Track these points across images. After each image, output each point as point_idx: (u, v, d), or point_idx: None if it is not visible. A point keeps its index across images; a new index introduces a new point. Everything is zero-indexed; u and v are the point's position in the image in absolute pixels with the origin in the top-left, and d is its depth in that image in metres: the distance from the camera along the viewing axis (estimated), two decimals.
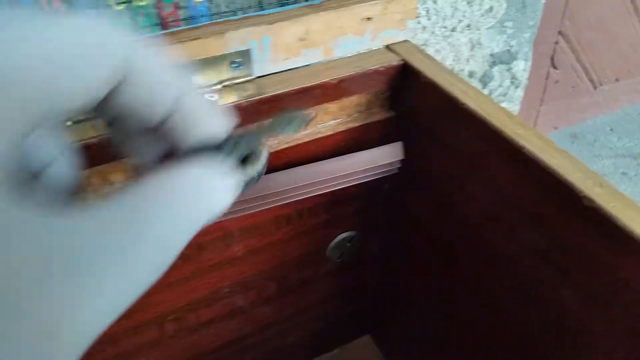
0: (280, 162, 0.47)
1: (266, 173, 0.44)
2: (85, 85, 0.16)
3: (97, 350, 0.52)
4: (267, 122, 0.25)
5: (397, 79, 0.46)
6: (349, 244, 0.60)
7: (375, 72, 0.45)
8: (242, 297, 0.58)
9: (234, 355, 0.65)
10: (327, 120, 0.48)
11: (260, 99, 0.42)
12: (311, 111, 0.33)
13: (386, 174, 0.48)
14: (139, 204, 0.17)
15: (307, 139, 0.47)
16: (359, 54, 0.46)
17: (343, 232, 0.59)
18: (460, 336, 0.56)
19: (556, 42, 0.88)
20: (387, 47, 0.47)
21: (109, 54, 0.16)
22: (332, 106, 0.47)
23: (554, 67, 0.94)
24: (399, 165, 0.47)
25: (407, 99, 0.47)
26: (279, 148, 0.46)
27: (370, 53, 0.47)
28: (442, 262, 0.53)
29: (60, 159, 0.19)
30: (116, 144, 0.21)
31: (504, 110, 0.40)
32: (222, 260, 0.52)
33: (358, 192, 0.55)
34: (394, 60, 0.45)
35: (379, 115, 0.50)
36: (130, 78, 0.17)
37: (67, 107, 0.16)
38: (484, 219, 0.43)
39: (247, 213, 0.47)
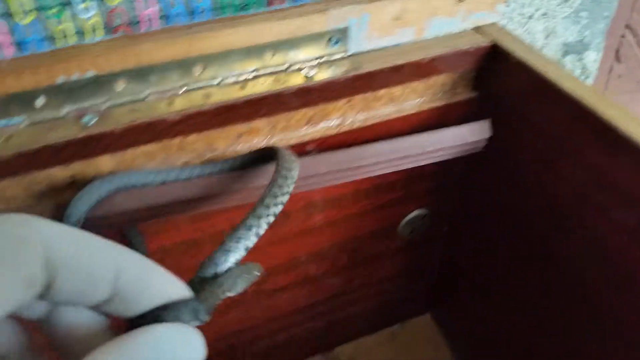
0: (365, 138, 0.49)
1: (352, 146, 0.46)
2: (8, 291, 0.16)
3: None
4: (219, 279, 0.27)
5: (484, 60, 0.48)
6: (420, 222, 0.62)
7: (465, 53, 0.46)
8: (316, 266, 0.61)
9: (304, 320, 0.68)
10: (413, 99, 0.49)
11: (355, 75, 0.44)
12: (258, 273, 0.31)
13: (470, 152, 0.49)
14: None
15: (393, 116, 0.49)
16: (449, 35, 0.48)
17: (416, 210, 0.61)
18: (529, 324, 0.57)
19: (622, 36, 0.87)
20: (476, 28, 0.49)
21: (28, 256, 0.16)
22: (419, 85, 0.48)
23: (618, 61, 0.92)
24: (484, 144, 0.48)
25: (494, 80, 0.48)
26: (365, 124, 0.48)
27: (460, 34, 0.48)
28: (520, 243, 0.54)
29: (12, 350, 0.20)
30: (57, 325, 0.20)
31: (595, 91, 0.41)
32: (302, 230, 0.55)
33: (436, 169, 0.57)
34: (483, 42, 0.47)
35: (463, 95, 0.51)
36: (60, 273, 0.17)
37: (2, 307, 0.16)
38: (573, 199, 0.44)
39: (330, 185, 0.49)
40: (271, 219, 0.34)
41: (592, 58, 0.82)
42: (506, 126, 0.49)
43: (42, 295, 0.18)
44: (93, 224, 0.39)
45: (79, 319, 0.20)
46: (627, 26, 0.81)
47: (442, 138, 0.46)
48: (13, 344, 0.20)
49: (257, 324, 0.64)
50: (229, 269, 0.29)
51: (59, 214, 0.38)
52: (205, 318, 0.22)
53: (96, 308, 0.19)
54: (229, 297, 0.53)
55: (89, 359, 0.16)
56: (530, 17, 0.58)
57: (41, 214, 0.38)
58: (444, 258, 0.70)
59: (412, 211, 0.60)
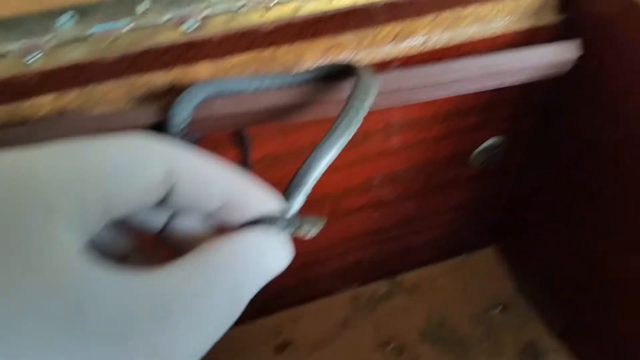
0: (448, 59, 0.49)
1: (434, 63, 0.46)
2: (137, 191, 0.19)
3: None
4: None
5: None
6: (495, 150, 0.62)
7: None
8: (390, 190, 0.62)
9: (373, 243, 0.70)
10: (500, 19, 0.49)
11: None
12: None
13: (555, 74, 0.48)
14: (209, 267, 0.19)
15: (477, 37, 0.49)
16: None
17: (492, 137, 0.61)
18: (600, 257, 0.57)
19: None
20: None
21: (154, 163, 0.19)
22: (507, 3, 0.48)
23: None
24: (571, 66, 0.48)
25: (582, 3, 0.47)
26: (449, 44, 0.48)
27: None
28: (597, 174, 0.54)
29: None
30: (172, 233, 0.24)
31: None
32: (380, 151, 0.56)
33: (515, 94, 0.56)
34: None
35: (550, 17, 0.50)
36: (180, 181, 0.20)
37: (126, 208, 0.19)
38: None
39: (412, 102, 0.50)
40: (348, 138, 0.35)
41: None
42: (594, 52, 0.48)
43: (164, 201, 0.20)
44: (195, 127, 0.41)
45: (193, 224, 0.23)
46: None
47: (529, 56, 0.46)
48: (132, 244, 0.23)
49: (329, 244, 0.67)
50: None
51: (160, 117, 0.40)
52: (295, 230, 0.25)
53: (206, 217, 0.22)
54: (308, 213, 0.55)
55: (196, 252, 0.19)
56: None
57: (143, 117, 0.40)
58: (515, 188, 0.70)
59: (487, 139, 0.61)
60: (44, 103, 0.41)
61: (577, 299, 0.67)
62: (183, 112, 0.39)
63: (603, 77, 0.49)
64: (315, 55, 0.46)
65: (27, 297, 0.14)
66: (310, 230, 0.28)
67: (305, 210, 0.60)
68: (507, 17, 0.49)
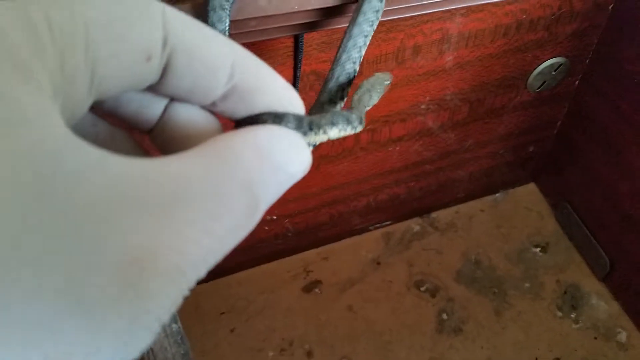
0: None
1: None
2: (130, 56, 0.15)
3: None
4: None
5: None
6: (554, 72, 0.56)
7: None
8: (435, 117, 0.57)
9: (409, 179, 0.65)
10: None
11: None
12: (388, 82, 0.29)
13: None
14: (221, 158, 0.16)
15: None
16: None
17: (553, 57, 0.55)
18: None
19: None
20: None
21: (151, 23, 0.16)
22: None
23: None
24: None
25: None
26: None
27: None
28: None
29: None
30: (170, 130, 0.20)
31: None
32: (430, 70, 0.51)
33: (584, 8, 0.50)
34: None
35: None
36: (179, 52, 0.16)
37: (117, 83, 0.16)
38: None
39: (472, 11, 0.44)
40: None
41: None
42: None
43: (159, 84, 0.17)
44: (236, 32, 0.35)
45: (193, 116, 0.19)
46: None
47: None
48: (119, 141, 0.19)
49: (363, 177, 0.62)
50: (360, 86, 0.29)
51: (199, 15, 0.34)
52: (314, 134, 0.20)
53: (210, 106, 0.19)
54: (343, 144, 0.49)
55: (202, 145, 0.16)
56: None
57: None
58: (567, 117, 0.64)
59: (548, 59, 0.55)
60: None
61: (622, 241, 0.63)
62: (219, 19, 0.33)
63: None
64: None
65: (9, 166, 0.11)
66: (356, 126, 0.22)
67: (334, 142, 0.55)
68: None
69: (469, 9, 0.45)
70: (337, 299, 0.68)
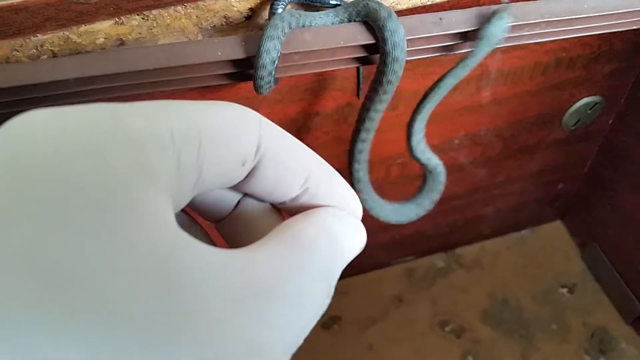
0: None
1: None
2: (231, 161, 0.17)
3: None
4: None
5: None
6: (590, 110, 0.55)
7: None
8: (467, 152, 0.56)
9: (438, 214, 0.63)
10: None
11: None
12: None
13: None
14: (299, 246, 0.17)
15: None
16: None
17: (589, 96, 0.54)
18: None
19: None
20: None
21: (250, 134, 0.17)
22: None
23: None
24: None
25: None
26: None
27: None
28: None
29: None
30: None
31: None
32: (467, 106, 0.49)
33: (622, 48, 0.49)
34: None
35: None
36: (266, 160, 0.18)
37: (215, 181, 0.17)
38: None
39: (513, 49, 0.43)
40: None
41: None
42: None
43: (241, 184, 0.19)
44: (287, 64, 0.34)
45: (263, 210, 0.21)
46: None
47: None
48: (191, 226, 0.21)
49: None
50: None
51: (244, 52, 0.33)
52: None
53: (282, 205, 0.20)
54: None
55: (277, 234, 0.17)
56: None
57: (221, 50, 0.33)
58: (599, 156, 0.63)
59: (584, 97, 0.54)
60: (101, 29, 0.34)
61: None
62: (275, 47, 0.32)
63: None
64: None
65: (127, 275, 0.12)
66: None
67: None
68: None
69: (510, 47, 0.44)
70: (358, 337, 0.66)
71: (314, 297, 0.17)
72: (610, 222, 0.65)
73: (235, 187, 0.19)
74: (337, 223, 0.19)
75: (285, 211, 0.21)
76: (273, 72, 0.33)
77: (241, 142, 0.17)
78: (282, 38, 0.33)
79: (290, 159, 0.19)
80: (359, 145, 0.41)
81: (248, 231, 0.21)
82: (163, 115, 0.16)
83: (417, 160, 0.42)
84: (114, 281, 0.12)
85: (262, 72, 0.33)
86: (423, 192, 0.46)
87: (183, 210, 0.20)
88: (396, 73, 0.36)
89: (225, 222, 0.21)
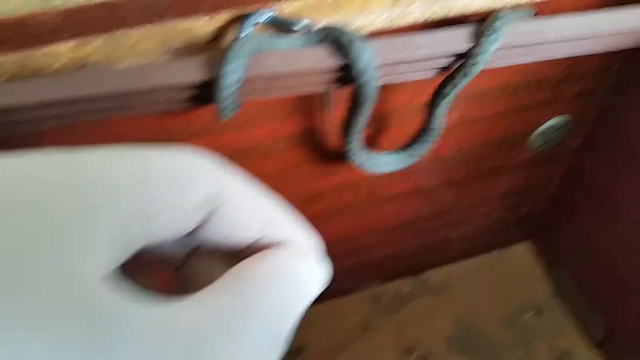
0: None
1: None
2: (179, 213, 0.17)
3: (305, 204, 0.50)
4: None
5: None
6: (556, 132, 0.55)
7: None
8: (434, 175, 0.54)
9: (404, 237, 0.62)
10: None
11: None
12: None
13: None
14: (246, 293, 0.17)
15: None
16: None
17: (556, 116, 0.53)
18: None
19: None
20: None
21: (201, 183, 0.17)
22: None
23: None
24: None
25: None
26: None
27: None
28: None
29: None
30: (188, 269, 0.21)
31: None
32: None
33: (589, 69, 0.49)
34: None
35: None
36: (220, 209, 0.18)
37: (161, 234, 0.17)
38: None
39: (503, 64, 0.42)
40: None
41: None
42: None
43: (194, 231, 0.18)
44: (245, 90, 0.32)
45: (218, 257, 0.20)
46: None
47: (625, 18, 0.38)
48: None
49: (357, 235, 0.58)
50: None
51: (207, 75, 0.31)
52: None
53: (236, 254, 0.19)
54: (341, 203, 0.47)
55: (221, 281, 0.17)
56: None
57: (182, 73, 0.31)
58: (565, 178, 0.62)
59: (552, 118, 0.53)
60: (62, 52, 0.31)
61: (618, 306, 0.61)
62: (236, 70, 0.30)
63: None
64: (383, 5, 0.37)
65: (52, 326, 0.12)
66: None
67: (337, 193, 0.52)
68: None
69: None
70: None
71: (259, 349, 0.16)
72: (576, 244, 0.65)
73: (190, 235, 0.18)
74: (294, 263, 0.18)
75: (243, 258, 0.20)
76: (235, 95, 0.31)
77: (193, 190, 0.17)
78: (246, 61, 0.31)
79: (247, 205, 0.18)
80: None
81: (203, 279, 0.20)
82: (109, 165, 0.15)
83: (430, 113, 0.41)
84: (23, 329, 0.12)
85: (225, 94, 0.31)
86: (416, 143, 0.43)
87: (133, 260, 0.19)
88: (369, 95, 0.34)
89: (181, 271, 0.20)
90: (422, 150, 0.43)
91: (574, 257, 0.66)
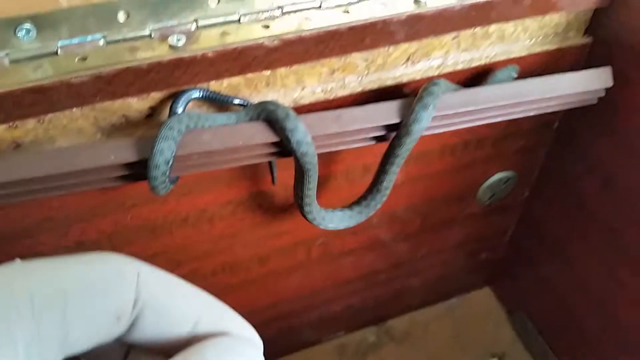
0: (468, 82, 0.44)
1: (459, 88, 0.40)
2: (102, 321, 0.17)
3: (245, 269, 0.51)
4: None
5: None
6: (503, 185, 0.57)
7: None
8: (387, 229, 0.56)
9: (363, 289, 0.63)
10: (523, 39, 0.44)
11: (473, 3, 0.38)
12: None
13: (583, 104, 0.43)
14: None
15: (498, 58, 0.43)
16: None
17: (501, 172, 0.55)
18: (609, 304, 0.52)
19: None
20: None
21: (124, 290, 0.17)
22: (533, 23, 0.43)
23: None
24: (602, 95, 0.42)
25: (613, 23, 0.43)
26: (469, 65, 0.43)
27: None
28: (620, 209, 0.49)
29: None
30: None
31: None
32: None
33: (530, 126, 0.51)
34: None
35: (575, 39, 0.45)
36: (147, 311, 0.18)
37: (86, 342, 0.17)
38: None
39: (430, 132, 0.44)
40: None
41: None
42: (622, 76, 0.43)
43: (124, 335, 0.18)
44: (184, 164, 0.33)
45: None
46: None
47: (560, 84, 0.41)
48: None
49: (315, 289, 0.59)
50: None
51: (139, 155, 0.32)
52: None
53: (173, 349, 0.19)
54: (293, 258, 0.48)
55: None
56: None
57: (115, 153, 0.32)
58: (518, 226, 0.64)
59: (497, 173, 0.55)
60: None
61: (577, 351, 0.62)
62: (166, 150, 0.31)
63: (630, 107, 0.44)
64: (318, 78, 0.39)
65: None
66: None
67: (289, 253, 0.53)
68: (532, 38, 0.44)
69: None
70: None
71: None
72: (533, 290, 0.66)
73: (120, 339, 0.18)
74: (226, 356, 0.18)
75: (180, 351, 0.20)
76: (167, 173, 0.33)
77: (114, 297, 0.17)
78: (177, 139, 0.32)
79: (174, 307, 0.18)
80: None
81: None
82: (22, 281, 0.15)
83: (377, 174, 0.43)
84: None
85: (156, 173, 0.32)
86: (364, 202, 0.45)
87: None
88: (311, 163, 0.36)
89: None
90: (374, 207, 0.44)
91: (533, 302, 0.67)
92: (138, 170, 0.33)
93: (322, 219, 0.43)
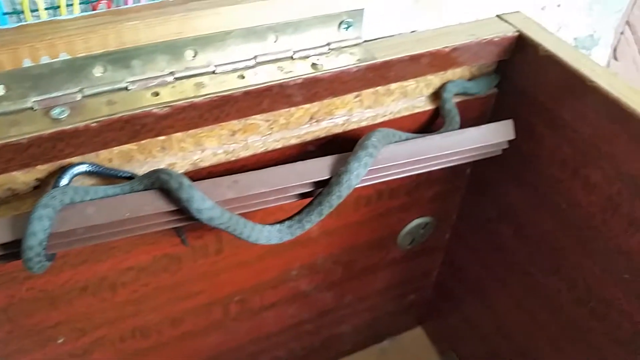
0: None
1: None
2: None
3: (157, 332, 0.49)
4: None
5: (508, 52, 0.43)
6: (422, 230, 0.57)
7: (489, 43, 0.41)
8: (308, 280, 0.55)
9: (289, 340, 0.62)
10: (427, 94, 0.44)
11: (369, 65, 0.38)
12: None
13: (488, 155, 0.44)
14: None
15: (404, 113, 0.44)
16: (471, 23, 0.43)
17: (418, 218, 0.55)
18: (532, 338, 0.53)
19: (622, 33, 0.84)
20: (499, 16, 0.44)
21: None
22: (435, 78, 0.43)
23: (616, 59, 0.90)
24: (506, 147, 0.43)
25: (517, 74, 0.44)
26: (374, 121, 0.43)
27: (483, 22, 0.43)
28: (530, 253, 0.49)
29: None
30: None
31: (635, 90, 0.37)
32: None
33: (442, 174, 0.52)
34: (508, 31, 0.42)
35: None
36: None
37: None
38: (600, 209, 0.40)
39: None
40: None
41: (600, 54, 0.78)
42: (527, 127, 0.44)
43: None
44: (54, 244, 0.32)
45: None
46: (627, 22, 0.78)
47: (463, 139, 0.41)
48: None
49: (237, 345, 0.58)
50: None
51: (11, 233, 0.31)
52: None
53: None
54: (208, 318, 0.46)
55: None
56: (543, 9, 0.53)
57: None
58: (442, 268, 0.65)
59: (414, 219, 0.55)
60: None
61: None
62: (39, 231, 0.30)
63: (537, 152, 0.45)
64: (219, 140, 0.38)
65: None
66: None
67: (204, 313, 0.51)
68: (436, 91, 0.44)
69: None
70: None
71: None
72: (462, 331, 0.66)
73: None
74: None
75: None
76: (42, 253, 0.31)
77: None
78: (54, 216, 0.30)
79: None
80: None
81: None
82: None
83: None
84: None
85: (30, 254, 0.30)
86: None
87: None
88: (224, 225, 0.35)
89: None
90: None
91: (461, 343, 0.68)
92: (14, 250, 0.31)
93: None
